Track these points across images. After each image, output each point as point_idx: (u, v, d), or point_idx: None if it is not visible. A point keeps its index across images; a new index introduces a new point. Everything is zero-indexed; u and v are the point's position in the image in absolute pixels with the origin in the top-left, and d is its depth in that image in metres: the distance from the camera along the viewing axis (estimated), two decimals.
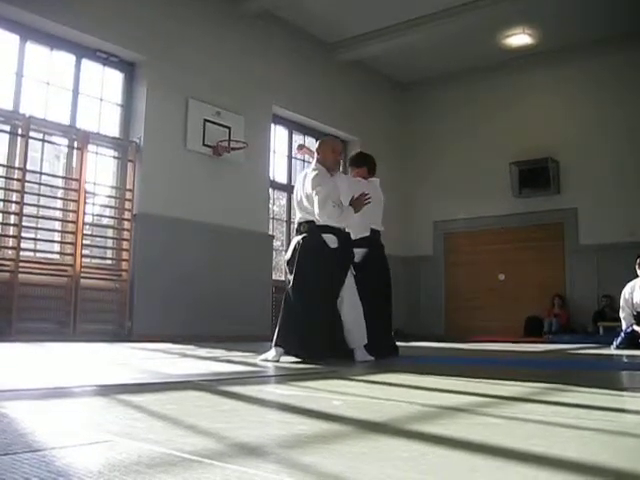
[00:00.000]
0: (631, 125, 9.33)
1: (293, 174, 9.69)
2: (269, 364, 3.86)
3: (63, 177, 6.97)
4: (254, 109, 8.69)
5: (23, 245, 6.36)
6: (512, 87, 10.51)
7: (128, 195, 7.24)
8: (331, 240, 4.30)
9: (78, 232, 6.65)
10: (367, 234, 4.79)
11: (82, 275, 6.64)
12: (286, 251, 4.65)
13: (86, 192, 6.85)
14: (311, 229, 4.31)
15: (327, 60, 10.05)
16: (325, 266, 4.24)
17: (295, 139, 10.02)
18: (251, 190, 8.59)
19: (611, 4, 8.51)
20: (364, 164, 5.04)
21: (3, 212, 6.38)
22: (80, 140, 6.91)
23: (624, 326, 7.10)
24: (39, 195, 6.68)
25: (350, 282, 4.37)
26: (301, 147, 5.16)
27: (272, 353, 4.06)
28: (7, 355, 4.37)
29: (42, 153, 6.81)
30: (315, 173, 4.31)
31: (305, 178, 4.38)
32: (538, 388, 2.80)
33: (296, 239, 4.39)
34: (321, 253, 4.26)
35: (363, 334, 4.31)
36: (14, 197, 6.36)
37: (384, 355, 4.49)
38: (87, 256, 6.98)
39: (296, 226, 4.47)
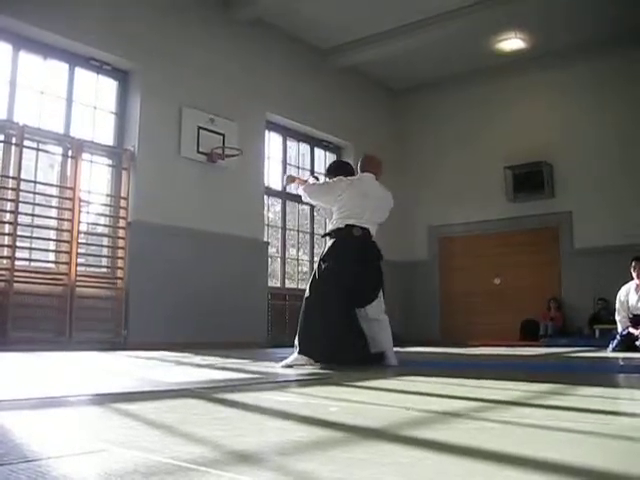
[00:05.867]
0: (624, 128, 9.37)
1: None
2: (266, 370, 3.85)
3: (57, 186, 6.95)
4: (248, 116, 8.70)
5: (18, 254, 6.33)
6: (505, 91, 10.55)
7: (123, 203, 7.23)
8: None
9: (73, 241, 6.63)
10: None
11: (77, 284, 6.62)
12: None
13: (81, 200, 6.84)
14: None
15: (321, 66, 10.07)
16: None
17: (289, 145, 10.04)
18: (246, 197, 8.59)
19: (610, 7, 8.54)
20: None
21: None
22: (74, 148, 6.90)
23: (620, 329, 7.13)
24: (33, 204, 6.66)
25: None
26: (292, 179, 5.15)
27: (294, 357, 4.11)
28: (2, 365, 4.35)
29: (36, 162, 6.79)
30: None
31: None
32: (534, 392, 2.81)
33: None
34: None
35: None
36: (8, 206, 6.34)
37: (372, 362, 4.38)
38: (82, 265, 6.97)
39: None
